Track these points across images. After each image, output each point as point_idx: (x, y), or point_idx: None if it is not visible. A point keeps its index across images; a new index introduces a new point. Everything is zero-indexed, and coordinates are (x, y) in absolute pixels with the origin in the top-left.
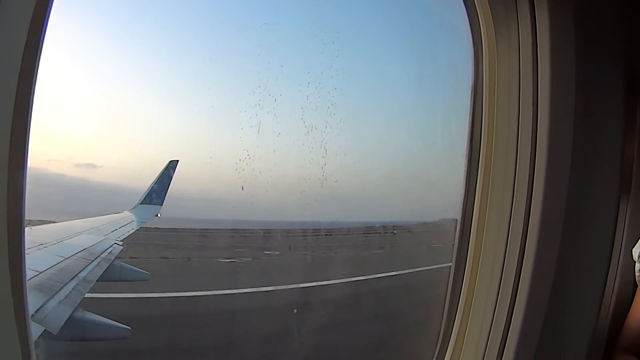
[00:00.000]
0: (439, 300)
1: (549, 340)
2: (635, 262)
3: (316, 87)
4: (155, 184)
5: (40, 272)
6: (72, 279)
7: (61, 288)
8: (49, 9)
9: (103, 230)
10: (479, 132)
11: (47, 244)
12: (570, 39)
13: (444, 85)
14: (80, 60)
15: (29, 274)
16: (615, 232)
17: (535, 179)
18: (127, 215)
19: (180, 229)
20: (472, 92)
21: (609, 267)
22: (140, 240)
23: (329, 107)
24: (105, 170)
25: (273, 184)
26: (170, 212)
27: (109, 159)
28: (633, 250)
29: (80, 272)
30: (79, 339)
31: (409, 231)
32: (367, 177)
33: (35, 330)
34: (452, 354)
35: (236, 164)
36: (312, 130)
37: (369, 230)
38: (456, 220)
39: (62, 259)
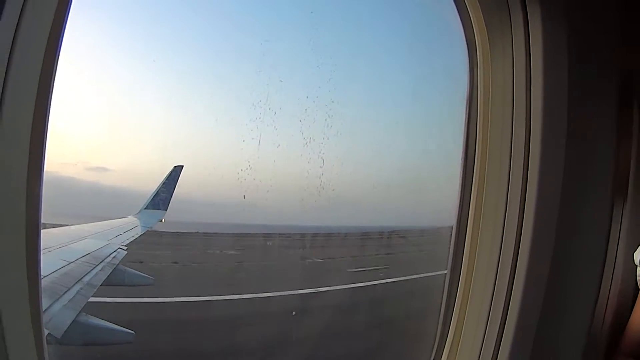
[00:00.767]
0: (434, 306)
1: (543, 346)
2: (636, 266)
3: (314, 101)
4: (159, 189)
5: (45, 276)
6: (76, 283)
7: (65, 292)
8: (66, 16)
9: (107, 235)
10: (474, 140)
11: (51, 247)
12: (563, 45)
13: (440, 96)
14: (92, 66)
15: None
16: (609, 239)
17: (529, 186)
18: (131, 220)
19: (185, 233)
20: (467, 102)
21: (602, 274)
22: (144, 245)
23: (326, 120)
24: (115, 173)
25: (273, 191)
26: (174, 216)
27: (120, 162)
28: (634, 254)
29: (84, 276)
30: (82, 343)
31: (404, 237)
32: (363, 185)
33: None
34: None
35: (238, 173)
36: (310, 141)
37: (364, 236)
38: (451, 227)
39: (67, 263)
